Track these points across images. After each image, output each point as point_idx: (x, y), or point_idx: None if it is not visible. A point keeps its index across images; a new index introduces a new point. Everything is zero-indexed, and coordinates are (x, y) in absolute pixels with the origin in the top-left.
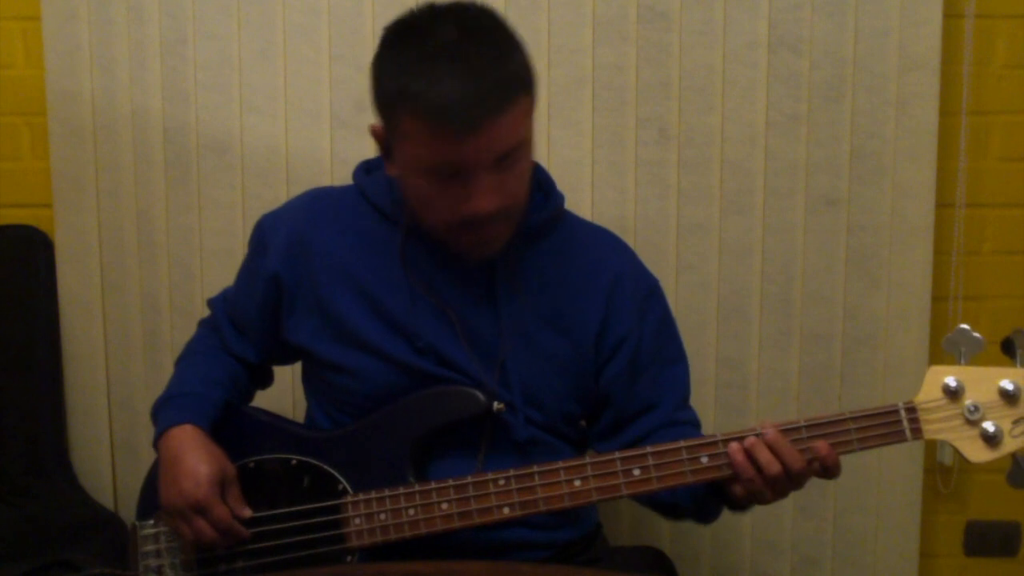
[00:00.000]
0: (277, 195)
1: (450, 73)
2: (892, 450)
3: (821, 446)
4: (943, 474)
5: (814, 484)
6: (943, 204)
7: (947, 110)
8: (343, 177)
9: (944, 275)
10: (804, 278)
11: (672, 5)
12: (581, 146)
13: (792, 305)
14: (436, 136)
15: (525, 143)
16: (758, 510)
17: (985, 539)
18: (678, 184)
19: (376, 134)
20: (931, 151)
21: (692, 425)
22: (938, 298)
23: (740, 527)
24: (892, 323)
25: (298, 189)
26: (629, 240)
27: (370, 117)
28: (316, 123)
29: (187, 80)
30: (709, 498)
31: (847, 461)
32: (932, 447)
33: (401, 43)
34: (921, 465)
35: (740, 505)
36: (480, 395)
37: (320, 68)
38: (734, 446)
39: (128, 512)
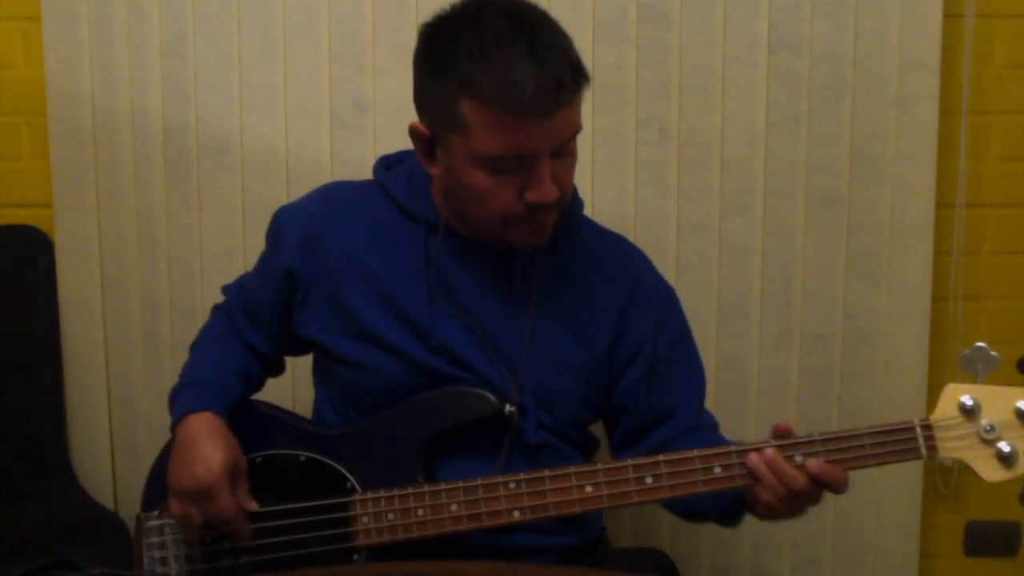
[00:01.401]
0: (277, 195)
1: (522, 60)
2: None
3: (813, 465)
4: (943, 474)
5: None
6: (943, 204)
7: (947, 110)
8: (343, 177)
9: (944, 275)
10: (804, 278)
11: (672, 5)
12: (581, 146)
13: (792, 305)
14: (507, 123)
15: (577, 134)
16: None
17: (985, 539)
18: (678, 184)
19: (417, 133)
20: (931, 151)
21: (711, 429)
22: (938, 298)
23: (740, 527)
24: (892, 323)
25: (298, 189)
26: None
27: (370, 117)
28: (316, 123)
29: (187, 80)
30: (737, 507)
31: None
32: None
33: (455, 35)
34: (921, 465)
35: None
36: (492, 397)
37: (320, 68)
38: (754, 457)
39: (128, 512)
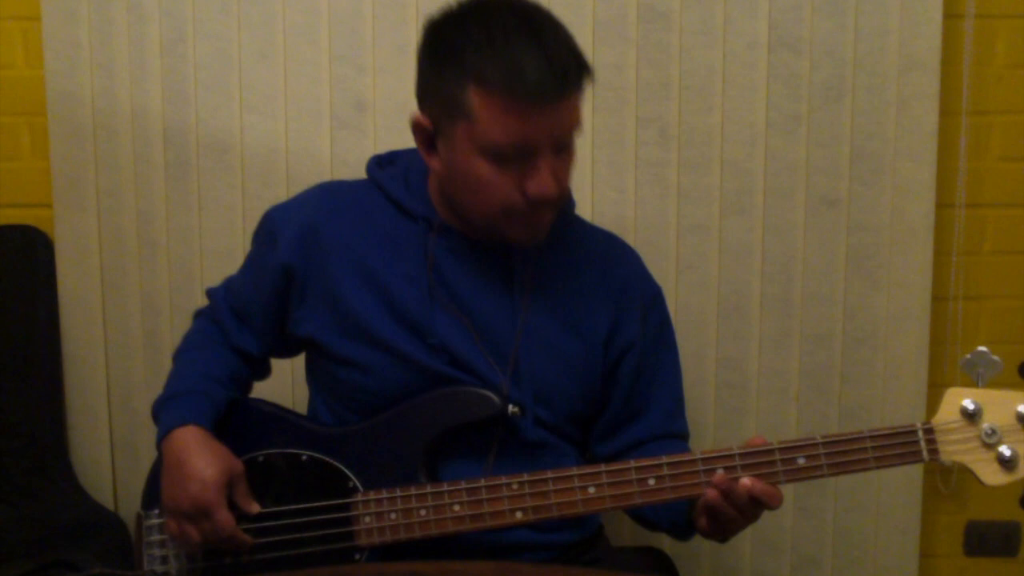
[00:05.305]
0: (277, 195)
1: (528, 50)
2: None
3: (748, 484)
4: (943, 474)
5: (814, 484)
6: (943, 204)
7: (947, 110)
8: (342, 177)
9: (944, 275)
10: (804, 278)
11: (672, 5)
12: (581, 146)
13: (792, 305)
14: (512, 109)
15: (577, 131)
16: None
17: (985, 539)
18: (678, 184)
19: (419, 124)
20: (931, 151)
21: (681, 439)
22: (938, 298)
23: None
24: (892, 323)
25: (298, 189)
26: (629, 240)
27: (370, 117)
28: (316, 123)
29: (187, 80)
30: (686, 521)
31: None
32: None
33: (462, 28)
34: (921, 465)
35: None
36: (496, 398)
37: (320, 68)
38: (711, 490)
39: (128, 512)
